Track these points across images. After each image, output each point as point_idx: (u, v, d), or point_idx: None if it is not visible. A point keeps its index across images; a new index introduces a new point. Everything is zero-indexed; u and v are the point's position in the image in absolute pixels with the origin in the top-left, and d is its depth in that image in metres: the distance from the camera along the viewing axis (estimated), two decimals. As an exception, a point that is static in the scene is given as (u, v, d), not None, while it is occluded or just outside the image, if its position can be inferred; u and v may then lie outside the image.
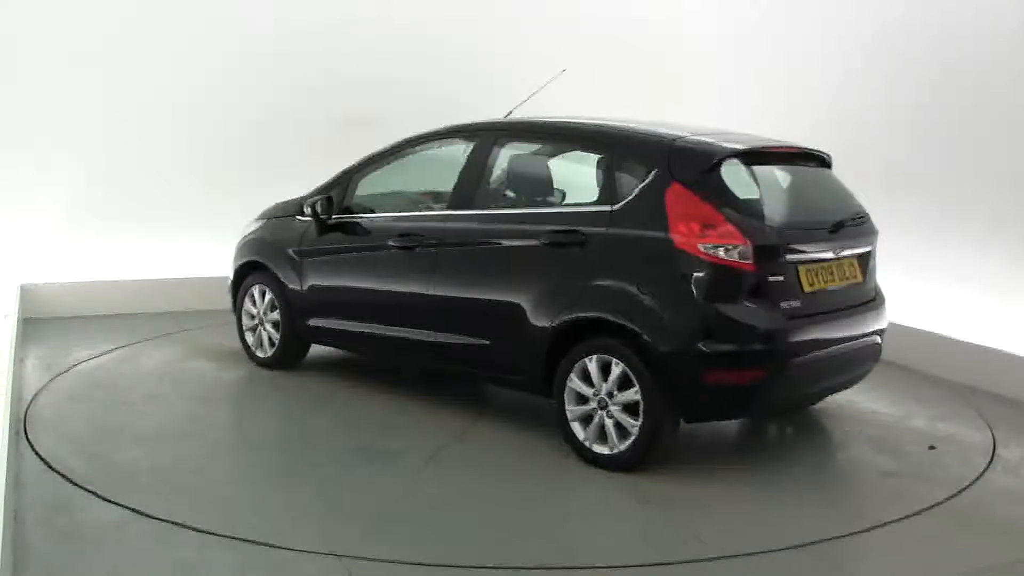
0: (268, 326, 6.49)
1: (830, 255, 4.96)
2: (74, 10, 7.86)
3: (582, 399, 4.84)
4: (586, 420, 4.83)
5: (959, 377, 6.53)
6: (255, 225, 6.74)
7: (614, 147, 5.07)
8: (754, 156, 5.18)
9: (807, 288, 4.77)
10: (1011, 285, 6.50)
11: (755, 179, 5.22)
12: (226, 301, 8.24)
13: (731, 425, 5.55)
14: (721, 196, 4.69)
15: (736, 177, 4.96)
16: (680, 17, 9.51)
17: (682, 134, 5.03)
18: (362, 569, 3.71)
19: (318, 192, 6.20)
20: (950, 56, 6.96)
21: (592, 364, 4.78)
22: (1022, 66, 6.47)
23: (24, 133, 7.82)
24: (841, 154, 7.92)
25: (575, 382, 4.85)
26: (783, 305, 4.64)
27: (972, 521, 4.35)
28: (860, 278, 5.18)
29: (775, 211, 5.05)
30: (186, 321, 7.73)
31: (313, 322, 6.18)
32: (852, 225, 5.24)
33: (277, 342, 6.43)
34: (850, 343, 5.06)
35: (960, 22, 6.89)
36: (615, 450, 4.73)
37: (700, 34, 9.41)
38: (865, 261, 5.26)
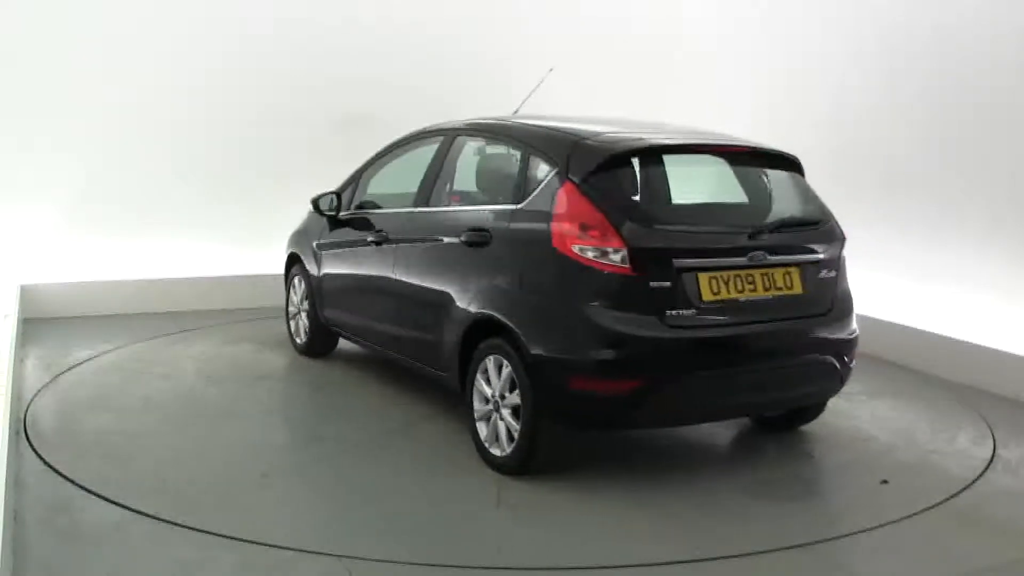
0: (303, 315, 6.79)
1: (744, 262, 4.55)
2: (74, 10, 7.87)
3: (485, 399, 4.78)
4: (487, 420, 4.78)
5: (959, 377, 6.53)
6: (303, 218, 6.94)
7: (528, 145, 4.97)
8: (688, 154, 5.05)
9: (708, 297, 4.43)
10: (1011, 285, 6.50)
11: (672, 179, 5.02)
12: (226, 301, 8.32)
13: (705, 433, 5.54)
14: (611, 196, 4.48)
15: (647, 176, 4.78)
16: (680, 18, 9.51)
17: (598, 131, 4.83)
18: (362, 569, 3.71)
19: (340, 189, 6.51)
20: (950, 56, 6.96)
21: (490, 364, 4.71)
22: (1022, 66, 6.46)
23: (24, 133, 7.82)
24: (841, 154, 7.98)
25: (479, 381, 4.80)
26: (670, 313, 4.34)
27: (972, 521, 4.35)
28: (799, 289, 4.71)
29: (676, 213, 4.84)
30: (186, 321, 7.74)
31: (326, 312, 6.49)
32: (790, 231, 4.88)
33: (308, 330, 6.72)
34: (779, 360, 4.71)
35: (960, 22, 6.89)
36: (503, 453, 4.66)
37: (700, 34, 9.42)
38: (813, 271, 4.80)
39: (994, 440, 5.40)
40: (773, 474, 4.91)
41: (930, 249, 7.14)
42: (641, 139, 4.83)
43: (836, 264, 4.93)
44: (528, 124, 5.20)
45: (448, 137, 5.67)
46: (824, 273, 4.85)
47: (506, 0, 9.18)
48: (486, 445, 4.77)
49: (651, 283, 4.34)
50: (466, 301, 4.90)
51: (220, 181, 8.44)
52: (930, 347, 6.79)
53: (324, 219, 6.45)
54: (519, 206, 4.76)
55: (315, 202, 6.37)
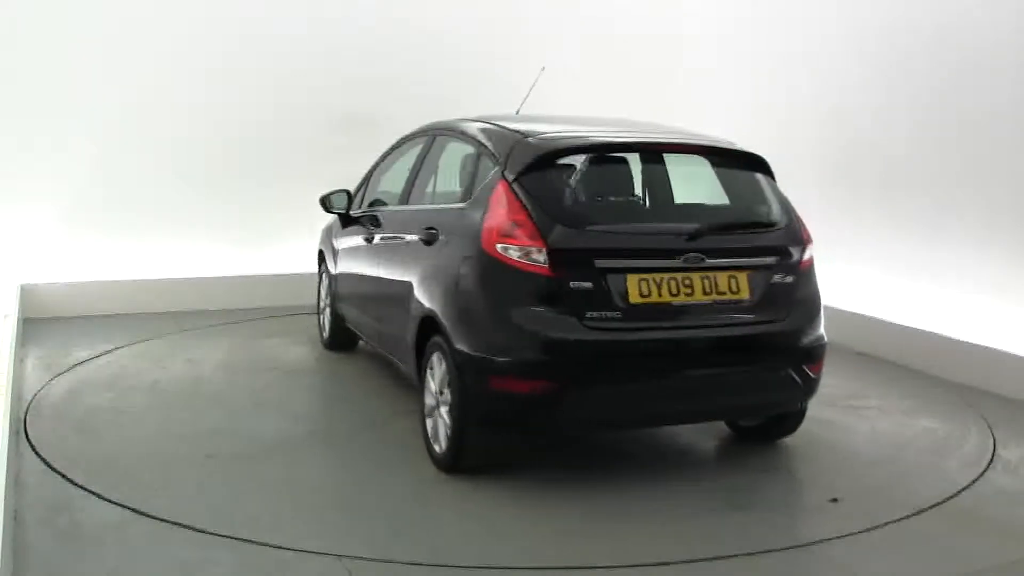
0: (327, 310, 6.95)
1: (678, 263, 4.38)
2: (74, 10, 7.87)
3: (432, 395, 4.81)
4: (432, 416, 4.79)
5: (959, 377, 6.52)
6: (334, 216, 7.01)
7: (481, 145, 4.98)
8: (634, 152, 4.96)
9: (635, 299, 4.29)
10: (1011, 285, 6.50)
11: (609, 177, 4.99)
12: (226, 301, 8.33)
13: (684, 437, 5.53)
14: (539, 195, 4.42)
15: (584, 175, 4.77)
16: (680, 18, 9.52)
17: (544, 130, 4.79)
18: (362, 569, 3.72)
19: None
20: (950, 56, 6.97)
21: (435, 361, 4.72)
22: (1022, 66, 6.47)
23: (24, 133, 7.83)
24: (841, 154, 7.98)
25: (428, 378, 4.82)
26: (591, 315, 4.24)
27: (972, 521, 4.34)
28: (746, 294, 4.49)
29: (608, 213, 4.77)
30: (186, 321, 7.74)
31: (340, 308, 6.68)
32: (740, 232, 4.70)
33: (329, 325, 6.93)
34: (718, 367, 4.51)
35: (960, 22, 6.89)
36: (441, 450, 4.66)
37: (700, 34, 9.42)
38: (764, 276, 4.56)
39: (994, 440, 5.39)
40: (753, 480, 4.86)
41: (930, 249, 7.14)
42: (582, 137, 4.81)
43: (795, 269, 4.67)
44: (487, 124, 5.16)
45: (430, 137, 5.78)
46: (779, 278, 4.61)
47: (508, 0, 9.18)
48: (430, 441, 4.78)
49: (571, 284, 4.25)
50: (419, 298, 4.93)
51: (220, 181, 8.45)
52: (930, 347, 6.78)
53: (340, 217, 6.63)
54: (464, 204, 4.80)
55: (323, 200, 6.41)
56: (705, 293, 4.42)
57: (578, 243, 4.33)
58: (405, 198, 5.73)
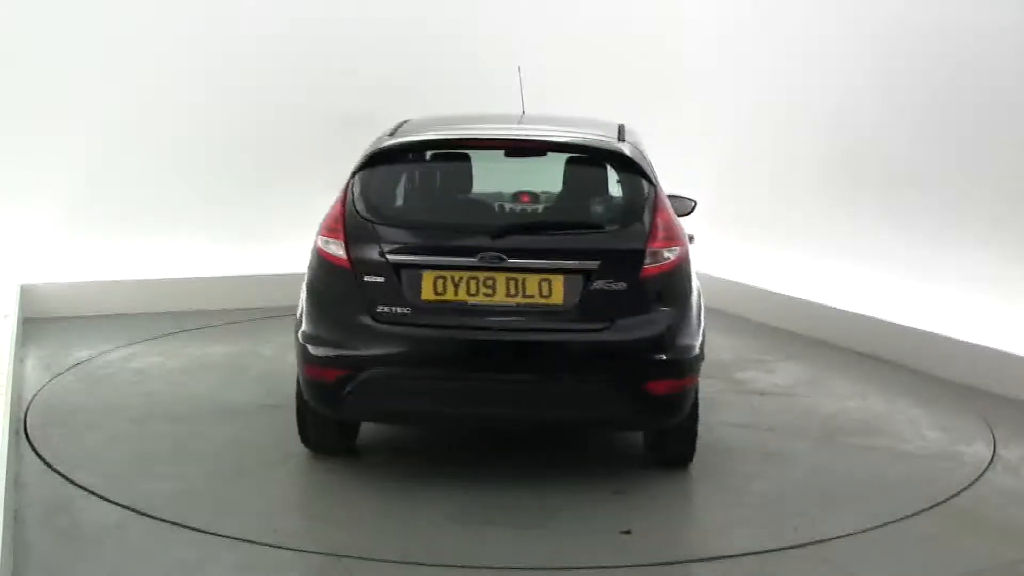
0: None
1: (474, 262, 4.29)
2: (74, 10, 7.86)
3: None
4: None
5: (959, 377, 6.51)
6: None
7: None
8: (474, 149, 4.98)
9: (428, 296, 4.28)
10: (1011, 285, 6.50)
11: (431, 175, 5.12)
12: (226, 301, 8.29)
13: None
14: (362, 192, 4.61)
15: (407, 173, 4.98)
16: (680, 19, 9.51)
17: (415, 129, 4.96)
18: (362, 569, 3.72)
19: None
20: (950, 55, 6.96)
21: None
22: (1022, 65, 6.47)
23: (24, 133, 7.82)
24: (841, 154, 7.98)
25: None
26: (381, 309, 4.30)
27: (972, 521, 4.35)
28: (559, 299, 4.26)
29: (412, 210, 4.93)
30: (186, 321, 7.73)
31: None
32: (559, 233, 4.52)
33: None
34: (513, 374, 4.32)
35: (960, 22, 6.90)
36: None
37: (701, 35, 9.41)
38: (584, 281, 4.27)
39: (994, 440, 5.39)
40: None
41: (930, 249, 7.14)
42: (417, 136, 4.92)
43: (632, 275, 4.31)
44: (407, 123, 5.18)
45: None
46: (607, 284, 4.29)
47: (508, 1, 9.18)
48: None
49: (364, 277, 4.38)
50: None
51: (220, 181, 8.43)
52: (930, 347, 6.77)
53: None
54: None
55: None
56: (509, 295, 4.29)
57: (371, 238, 4.44)
58: None
